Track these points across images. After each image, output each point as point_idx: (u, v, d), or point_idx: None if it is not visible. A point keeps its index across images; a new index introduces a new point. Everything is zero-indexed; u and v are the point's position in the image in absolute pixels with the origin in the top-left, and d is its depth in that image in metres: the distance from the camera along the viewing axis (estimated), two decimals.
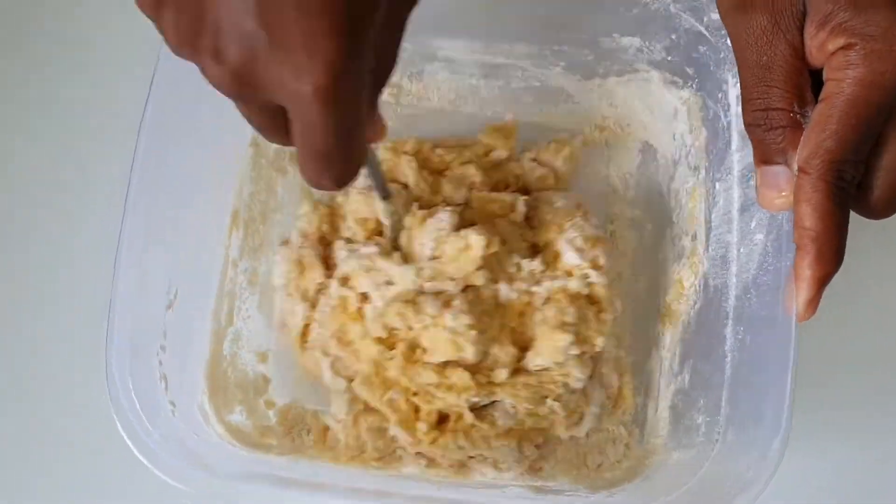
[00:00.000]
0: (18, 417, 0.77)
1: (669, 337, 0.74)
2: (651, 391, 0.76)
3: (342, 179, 0.46)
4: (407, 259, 0.71)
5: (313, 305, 0.76)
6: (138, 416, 0.58)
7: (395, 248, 0.72)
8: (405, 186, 0.76)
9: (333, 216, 0.78)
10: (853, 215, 0.49)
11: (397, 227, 0.72)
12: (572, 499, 0.68)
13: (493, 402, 0.71)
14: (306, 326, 0.76)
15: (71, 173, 0.83)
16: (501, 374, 0.69)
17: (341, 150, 0.43)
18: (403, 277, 0.69)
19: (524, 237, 0.75)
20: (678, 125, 0.79)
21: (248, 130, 0.78)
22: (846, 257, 0.48)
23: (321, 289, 0.75)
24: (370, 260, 0.71)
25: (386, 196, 0.68)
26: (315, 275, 0.75)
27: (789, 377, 0.57)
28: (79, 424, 0.76)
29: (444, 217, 0.70)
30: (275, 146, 0.80)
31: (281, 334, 0.77)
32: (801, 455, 0.75)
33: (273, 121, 0.44)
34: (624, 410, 0.75)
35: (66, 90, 0.86)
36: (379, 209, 0.70)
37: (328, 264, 0.76)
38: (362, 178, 0.68)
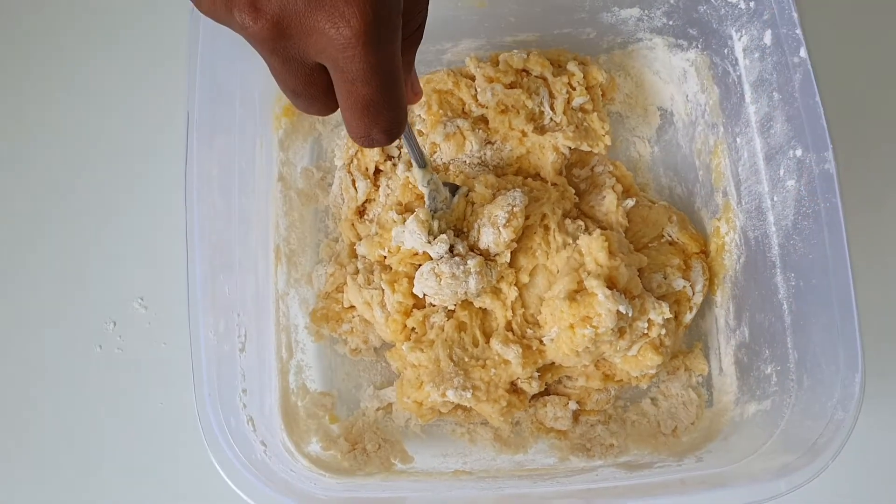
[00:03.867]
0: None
1: (720, 294, 0.75)
2: (711, 351, 0.77)
3: (392, 129, 0.46)
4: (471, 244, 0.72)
5: (375, 184, 0.79)
6: (241, 460, 0.58)
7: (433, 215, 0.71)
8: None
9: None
10: None
11: (435, 195, 0.70)
12: (663, 470, 0.68)
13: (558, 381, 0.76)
14: (366, 202, 0.79)
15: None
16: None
17: (386, 95, 0.43)
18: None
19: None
20: (689, 86, 0.80)
21: (273, 168, 0.79)
22: None
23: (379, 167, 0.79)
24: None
25: (422, 164, 0.67)
26: (374, 153, 0.78)
27: (855, 314, 0.58)
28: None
29: (517, 196, 0.70)
30: (299, 182, 0.82)
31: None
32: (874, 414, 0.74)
33: (310, 78, 0.44)
34: (698, 373, 0.76)
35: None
36: (416, 177, 0.69)
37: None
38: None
